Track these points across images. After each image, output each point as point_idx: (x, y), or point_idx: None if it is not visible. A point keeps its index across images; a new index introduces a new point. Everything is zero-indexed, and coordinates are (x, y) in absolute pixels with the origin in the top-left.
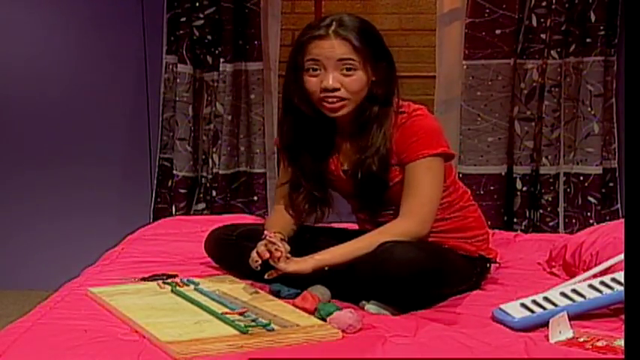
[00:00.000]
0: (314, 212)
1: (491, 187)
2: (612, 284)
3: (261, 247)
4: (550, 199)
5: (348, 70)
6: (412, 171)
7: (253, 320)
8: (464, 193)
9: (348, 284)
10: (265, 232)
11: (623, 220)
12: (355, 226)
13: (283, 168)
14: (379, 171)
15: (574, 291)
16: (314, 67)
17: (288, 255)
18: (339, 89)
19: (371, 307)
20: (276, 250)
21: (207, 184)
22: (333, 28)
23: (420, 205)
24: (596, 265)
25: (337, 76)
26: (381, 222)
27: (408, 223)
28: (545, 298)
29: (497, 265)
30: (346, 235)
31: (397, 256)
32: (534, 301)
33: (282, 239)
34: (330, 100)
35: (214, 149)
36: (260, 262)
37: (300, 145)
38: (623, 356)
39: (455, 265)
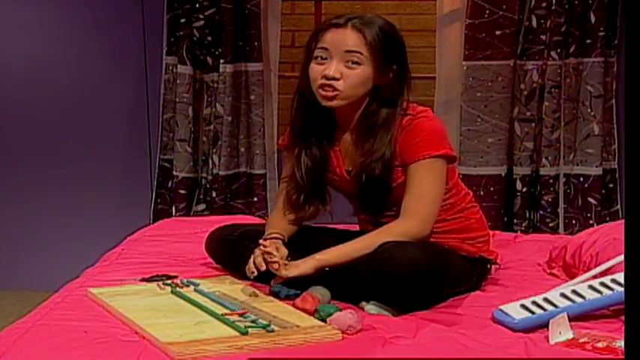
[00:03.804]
0: (307, 206)
1: (491, 188)
2: (612, 285)
3: (257, 257)
4: (550, 200)
5: (353, 63)
6: (414, 171)
7: (253, 321)
8: (466, 195)
9: (348, 285)
10: (260, 240)
11: (623, 221)
12: (356, 228)
13: (287, 173)
14: (382, 175)
15: (574, 292)
16: (322, 55)
17: (286, 261)
18: (338, 80)
19: (371, 307)
20: (271, 260)
21: (208, 185)
22: (353, 21)
23: (422, 205)
24: (596, 266)
25: (340, 67)
26: (383, 223)
27: (409, 223)
28: (546, 299)
29: (498, 266)
30: (347, 236)
31: (397, 256)
32: (534, 302)
33: (280, 239)
34: (326, 88)
35: (214, 150)
36: (256, 273)
37: (304, 134)
38: (623, 357)
39: (455, 265)
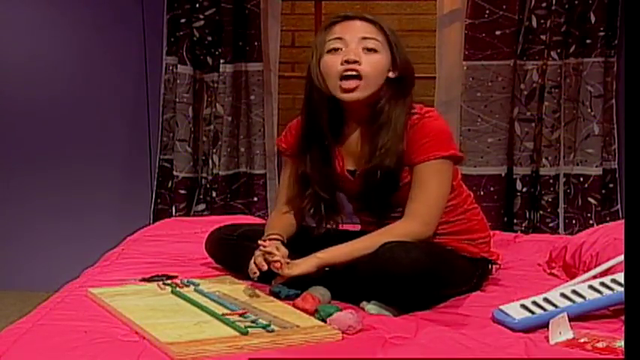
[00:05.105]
0: (320, 216)
1: (492, 188)
2: (612, 285)
3: (258, 257)
4: (550, 200)
5: (369, 50)
6: (421, 172)
7: (253, 321)
8: (467, 197)
9: (349, 284)
10: (259, 241)
11: (623, 221)
12: (357, 228)
13: (287, 175)
14: (395, 170)
15: (574, 292)
16: (337, 45)
17: (287, 260)
18: (360, 63)
19: (371, 307)
20: (273, 260)
21: (208, 185)
22: (361, 14)
23: (426, 206)
24: (596, 266)
25: (359, 52)
26: (386, 224)
27: (412, 224)
28: (546, 299)
29: (498, 266)
30: (348, 236)
31: (399, 256)
32: (534, 302)
33: (279, 240)
34: (349, 72)
35: (214, 150)
36: (258, 273)
37: (310, 137)
38: (623, 357)
39: (456, 266)
